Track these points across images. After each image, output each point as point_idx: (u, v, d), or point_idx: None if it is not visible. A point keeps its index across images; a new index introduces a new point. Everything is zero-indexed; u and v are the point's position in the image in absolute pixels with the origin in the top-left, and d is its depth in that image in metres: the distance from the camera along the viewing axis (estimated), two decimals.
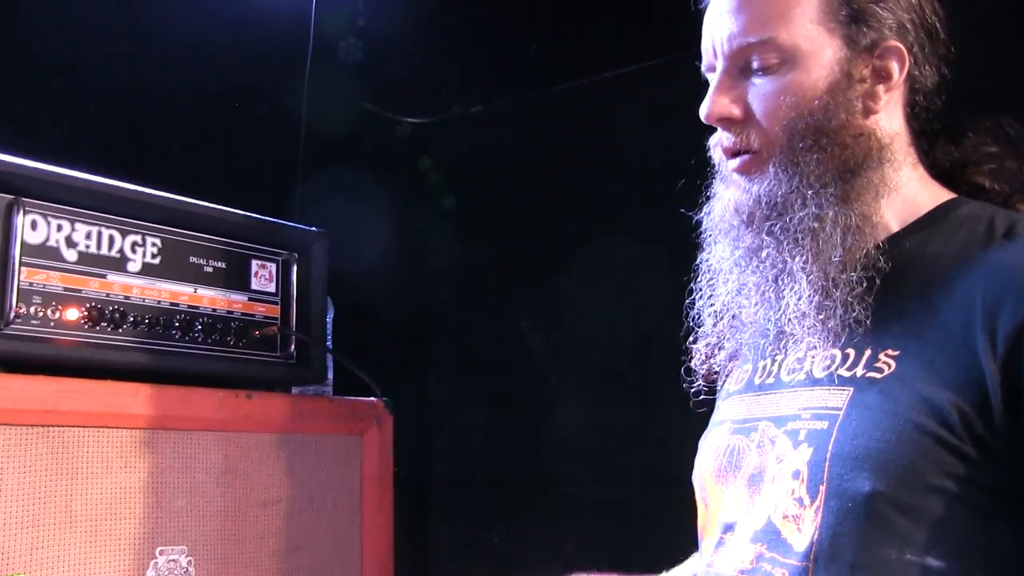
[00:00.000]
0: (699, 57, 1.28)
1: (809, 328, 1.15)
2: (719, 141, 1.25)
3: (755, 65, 1.19)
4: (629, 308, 2.90)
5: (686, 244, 1.35)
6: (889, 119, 1.21)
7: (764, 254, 1.19)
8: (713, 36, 1.23)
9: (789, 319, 1.17)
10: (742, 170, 1.22)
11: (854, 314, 1.12)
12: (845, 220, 1.15)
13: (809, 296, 1.15)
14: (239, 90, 2.87)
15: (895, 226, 1.20)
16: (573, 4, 3.17)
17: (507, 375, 3.27)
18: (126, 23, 2.57)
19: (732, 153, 1.23)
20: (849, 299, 1.13)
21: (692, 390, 1.37)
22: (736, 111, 1.20)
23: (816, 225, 1.15)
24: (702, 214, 1.31)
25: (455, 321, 3.51)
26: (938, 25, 1.23)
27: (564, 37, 3.23)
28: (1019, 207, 1.23)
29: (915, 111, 1.25)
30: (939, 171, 1.27)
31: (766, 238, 1.18)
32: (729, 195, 1.25)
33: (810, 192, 1.16)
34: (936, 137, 1.29)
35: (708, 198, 1.31)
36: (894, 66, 1.19)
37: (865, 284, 1.13)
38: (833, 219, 1.15)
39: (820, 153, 1.16)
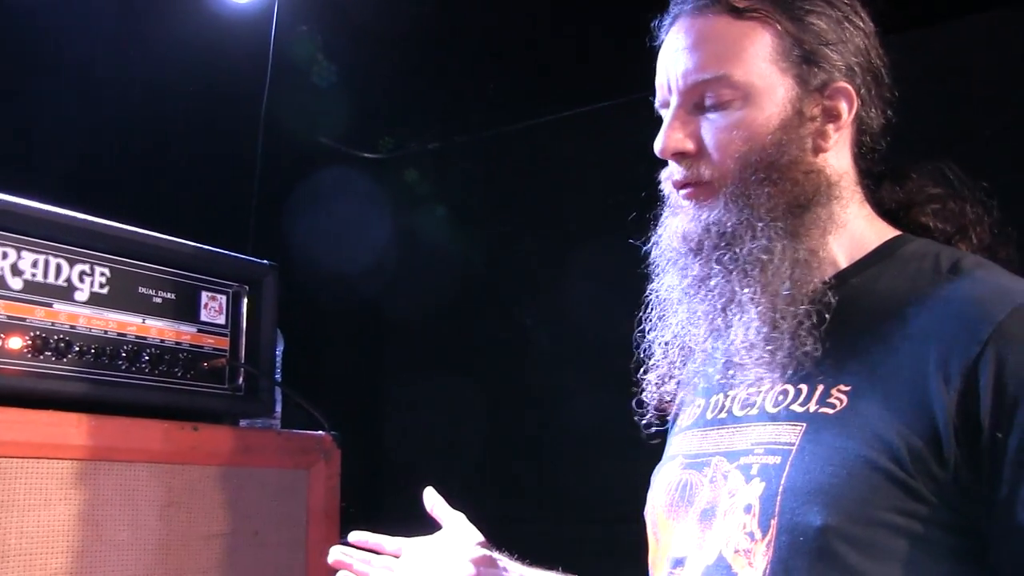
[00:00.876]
0: (650, 97, 1.30)
1: (757, 359, 1.16)
2: (670, 175, 1.26)
3: (709, 101, 1.21)
4: (583, 343, 2.92)
5: (636, 277, 1.35)
6: (838, 158, 1.24)
7: (713, 283, 1.20)
8: (668, 72, 1.25)
9: (738, 349, 1.18)
10: (692, 196, 1.23)
11: (803, 348, 1.13)
12: (793, 254, 1.17)
13: (758, 327, 1.16)
14: (195, 122, 2.87)
15: (843, 262, 1.22)
16: (530, 45, 3.21)
17: (460, 412, 3.27)
18: (79, 54, 2.57)
19: (682, 186, 1.24)
20: (797, 332, 1.14)
21: (643, 422, 1.36)
22: (690, 145, 1.22)
23: (765, 257, 1.16)
24: (651, 244, 1.32)
25: (408, 356, 3.50)
26: (883, 70, 1.27)
27: (521, 77, 3.27)
28: (961, 246, 1.27)
29: (862, 151, 1.28)
30: (885, 210, 1.30)
31: (715, 267, 1.19)
32: (677, 223, 1.25)
33: (760, 224, 1.17)
34: (881, 178, 1.32)
35: (656, 228, 1.32)
36: (843, 106, 1.22)
37: (814, 318, 1.14)
38: (782, 252, 1.16)
39: (771, 187, 1.18)
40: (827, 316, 1.14)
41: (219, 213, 2.84)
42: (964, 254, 1.20)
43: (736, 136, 1.19)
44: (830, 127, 1.22)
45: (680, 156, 1.23)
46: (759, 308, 1.16)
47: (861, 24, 1.25)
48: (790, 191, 1.19)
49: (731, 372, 1.23)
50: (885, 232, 1.26)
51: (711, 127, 1.21)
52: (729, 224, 1.19)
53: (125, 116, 2.66)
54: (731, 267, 1.18)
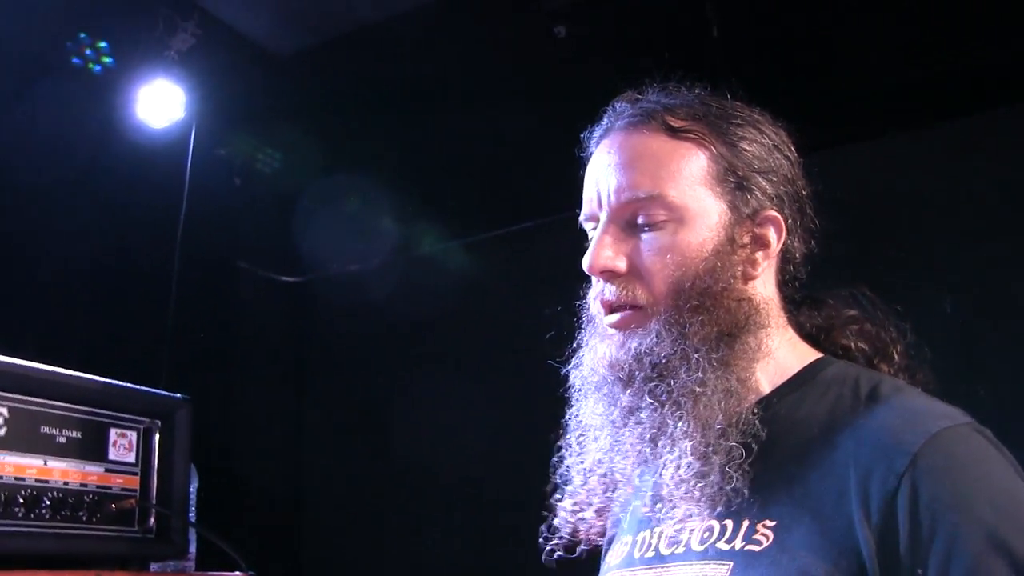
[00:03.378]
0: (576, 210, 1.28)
1: (686, 494, 1.12)
2: (599, 293, 1.22)
3: (641, 220, 1.18)
4: (501, 463, 2.88)
5: (554, 400, 1.31)
6: (764, 285, 1.23)
7: (644, 415, 1.16)
8: (599, 187, 1.22)
9: (667, 484, 1.14)
10: (621, 325, 1.19)
11: (732, 483, 1.10)
12: (726, 384, 1.14)
13: (689, 462, 1.12)
14: (107, 250, 2.80)
15: (766, 388, 1.20)
16: (446, 171, 3.26)
17: (382, 546, 3.16)
18: None
19: (612, 307, 1.20)
20: (727, 466, 1.11)
21: (548, 547, 1.29)
22: (621, 265, 1.18)
23: (699, 389, 1.13)
24: (570, 367, 1.27)
25: (328, 491, 3.39)
26: (806, 200, 1.27)
27: (439, 203, 3.31)
28: (882, 367, 1.27)
29: (785, 279, 1.28)
30: (806, 334, 1.30)
31: (647, 399, 1.15)
32: (603, 349, 1.20)
33: (695, 355, 1.14)
34: (800, 304, 1.32)
35: (576, 350, 1.27)
36: (772, 235, 1.21)
37: (743, 451, 1.11)
38: (715, 383, 1.13)
39: (705, 315, 1.15)
40: (755, 448, 1.11)
41: (131, 346, 2.75)
42: (882, 378, 1.19)
43: (670, 260, 1.16)
44: (759, 255, 1.21)
45: (611, 275, 1.19)
46: (691, 442, 1.12)
47: (788, 153, 1.25)
48: (722, 319, 1.16)
49: (659, 507, 1.19)
50: (806, 356, 1.25)
51: (643, 248, 1.18)
52: (663, 354, 1.15)
53: (30, 244, 2.58)
54: (663, 399, 1.14)
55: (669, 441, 1.14)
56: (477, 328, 3.19)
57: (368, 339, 3.43)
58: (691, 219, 1.17)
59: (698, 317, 1.15)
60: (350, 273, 3.51)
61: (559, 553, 1.30)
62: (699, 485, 1.11)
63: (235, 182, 3.32)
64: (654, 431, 1.15)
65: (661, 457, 1.15)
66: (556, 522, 1.29)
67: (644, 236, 1.18)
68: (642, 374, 1.16)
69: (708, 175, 1.19)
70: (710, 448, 1.12)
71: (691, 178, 1.18)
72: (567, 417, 1.28)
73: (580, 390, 1.25)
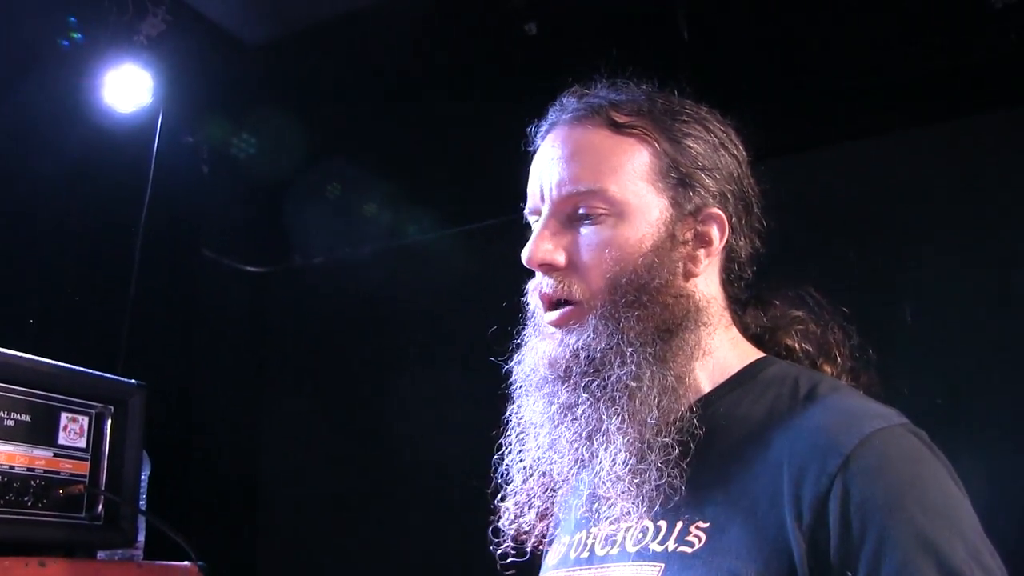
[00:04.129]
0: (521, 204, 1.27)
1: (623, 492, 1.12)
2: (538, 286, 1.21)
3: (582, 213, 1.18)
4: (463, 454, 2.88)
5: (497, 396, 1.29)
6: (707, 283, 1.22)
7: (579, 411, 1.14)
8: (542, 180, 1.21)
9: (603, 481, 1.14)
10: (560, 323, 1.18)
11: (670, 480, 1.09)
12: (662, 380, 1.13)
13: (624, 459, 1.11)
14: (68, 233, 2.76)
15: (706, 387, 1.20)
16: (414, 162, 3.26)
17: (340, 540, 3.14)
18: None
19: (551, 302, 1.19)
20: (662, 464, 1.10)
21: (499, 552, 1.28)
22: (560, 258, 1.18)
23: (634, 384, 1.12)
24: (512, 364, 1.26)
25: (285, 484, 3.37)
26: (754, 199, 1.26)
27: (406, 194, 3.30)
28: (826, 368, 1.27)
29: (730, 278, 1.27)
30: (751, 335, 1.30)
31: (582, 394, 1.14)
32: (544, 347, 1.20)
33: (629, 350, 1.13)
34: (746, 304, 1.32)
35: (518, 347, 1.27)
36: (715, 232, 1.20)
37: (679, 449, 1.11)
38: (650, 379, 1.13)
39: (641, 310, 1.14)
40: (692, 446, 1.11)
41: (89, 331, 2.71)
42: (822, 378, 1.19)
43: (608, 255, 1.16)
44: (701, 252, 1.21)
45: (549, 268, 1.19)
46: (626, 438, 1.11)
47: (735, 152, 1.25)
48: (659, 315, 1.16)
49: (595, 506, 1.18)
50: (748, 355, 1.24)
51: (583, 242, 1.17)
52: (598, 349, 1.14)
53: None
54: (598, 395, 1.14)
55: (604, 438, 1.13)
56: (445, 320, 3.18)
57: (330, 331, 3.41)
58: (631, 214, 1.17)
59: (634, 312, 1.14)
60: (314, 264, 3.49)
61: (511, 557, 1.29)
62: (635, 482, 1.11)
63: (202, 170, 3.29)
64: (590, 428, 1.15)
65: (597, 455, 1.14)
66: (501, 524, 1.28)
67: (583, 230, 1.18)
68: (578, 369, 1.15)
69: (650, 171, 1.19)
70: (646, 445, 1.11)
71: (633, 173, 1.18)
72: (508, 415, 1.26)
73: (521, 387, 1.24)
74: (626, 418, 1.12)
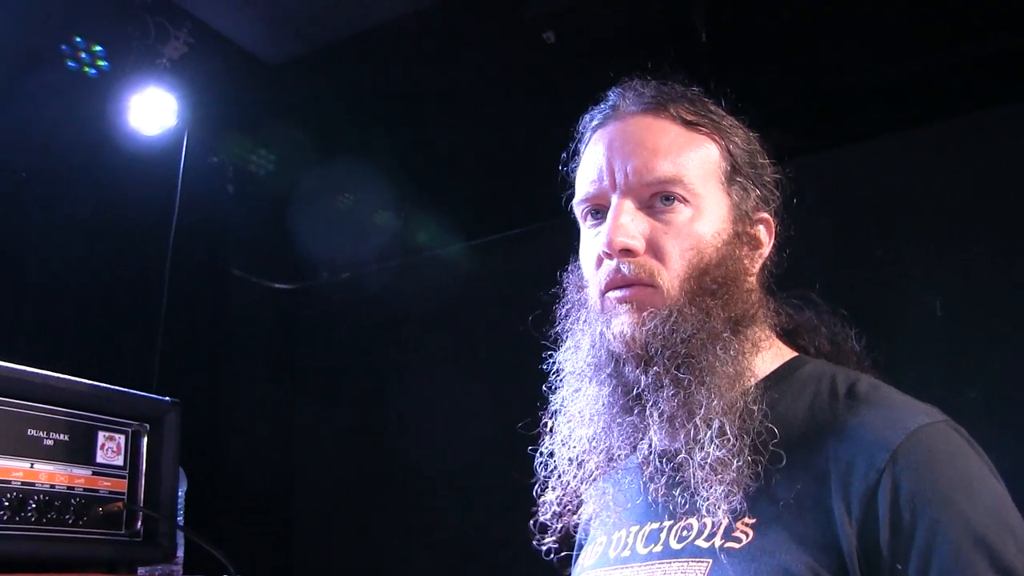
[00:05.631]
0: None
1: (707, 479, 1.09)
2: (608, 273, 1.17)
3: (660, 204, 1.16)
4: (495, 466, 2.88)
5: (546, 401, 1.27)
6: (757, 281, 1.24)
7: (665, 394, 1.12)
8: (614, 165, 1.18)
9: (692, 469, 1.10)
10: (631, 299, 1.15)
11: (753, 468, 1.08)
12: (740, 369, 1.14)
13: (718, 444, 1.09)
14: (100, 254, 2.81)
15: (750, 384, 1.18)
16: (438, 176, 3.27)
17: (374, 550, 3.16)
18: None
19: (624, 284, 1.15)
20: (747, 450, 1.08)
21: (543, 548, 1.25)
22: (640, 243, 1.15)
23: (730, 370, 1.12)
24: (563, 351, 1.23)
25: (321, 494, 3.39)
26: (782, 207, 1.27)
27: (432, 208, 3.32)
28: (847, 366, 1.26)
29: (765, 277, 1.27)
30: (778, 334, 1.28)
31: (674, 374, 1.12)
32: (618, 326, 1.15)
33: (721, 336, 1.13)
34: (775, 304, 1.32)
35: (564, 337, 1.24)
36: (764, 234, 1.23)
37: (766, 435, 1.09)
38: (734, 366, 1.13)
39: (720, 300, 1.15)
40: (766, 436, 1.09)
41: (123, 351, 2.75)
42: (858, 376, 1.18)
43: (688, 243, 1.15)
44: (755, 252, 1.23)
45: (627, 253, 1.15)
46: (721, 423, 1.10)
47: (766, 160, 1.26)
48: (734, 307, 1.16)
49: (658, 498, 1.16)
50: (782, 353, 1.24)
51: (663, 231, 1.15)
52: (687, 332, 1.12)
53: (22, 248, 2.58)
54: (691, 377, 1.11)
55: (701, 422, 1.11)
56: (470, 332, 3.20)
57: (359, 345, 3.43)
58: (706, 208, 1.17)
59: (716, 302, 1.15)
60: (342, 280, 3.51)
61: (555, 553, 1.27)
62: (735, 465, 1.08)
63: (228, 189, 3.33)
64: (677, 412, 1.12)
65: (693, 439, 1.11)
66: (544, 519, 1.25)
67: (663, 217, 1.16)
68: (668, 352, 1.12)
69: (719, 169, 1.20)
70: (737, 430, 1.10)
71: (705, 169, 1.19)
72: (552, 405, 1.24)
73: (574, 374, 1.21)
74: (719, 403, 1.11)
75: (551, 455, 1.24)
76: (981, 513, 0.99)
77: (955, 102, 2.65)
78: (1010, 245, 2.56)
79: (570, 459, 1.22)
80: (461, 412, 3.04)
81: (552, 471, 1.24)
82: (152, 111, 2.85)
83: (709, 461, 1.09)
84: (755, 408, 1.12)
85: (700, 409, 1.11)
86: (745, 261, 1.20)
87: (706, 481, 1.10)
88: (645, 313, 1.13)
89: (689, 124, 1.20)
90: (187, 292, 2.90)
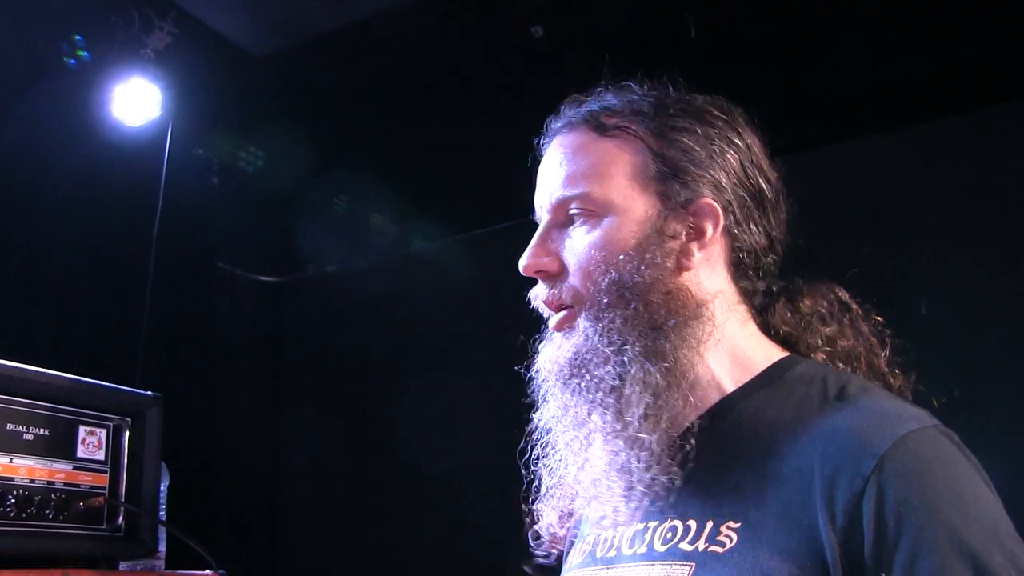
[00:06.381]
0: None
1: (609, 490, 1.13)
2: (538, 293, 1.24)
3: (571, 219, 1.20)
4: (481, 464, 2.88)
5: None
6: (709, 277, 1.21)
7: (572, 412, 1.17)
8: (540, 189, 1.25)
9: (594, 481, 1.15)
10: (558, 327, 1.21)
11: (669, 477, 1.10)
12: (648, 377, 1.13)
13: (612, 457, 1.13)
14: (81, 248, 2.78)
15: (729, 386, 1.18)
16: (423, 171, 3.26)
17: (360, 547, 3.15)
18: None
19: (553, 307, 1.22)
20: (655, 462, 1.10)
21: (538, 553, 1.29)
22: (552, 265, 1.20)
23: (617, 383, 1.13)
24: (532, 371, 1.27)
25: (306, 488, 3.37)
26: (764, 187, 1.23)
27: (418, 202, 3.31)
28: (859, 369, 1.25)
29: (740, 270, 1.24)
30: (775, 331, 1.27)
31: (572, 397, 1.17)
32: (546, 352, 1.23)
33: (610, 349, 1.14)
34: (776, 297, 1.29)
35: (536, 354, 1.27)
36: (708, 224, 1.19)
37: (691, 445, 1.11)
38: (635, 376, 1.13)
39: (624, 309, 1.15)
40: (692, 442, 1.11)
41: (106, 344, 2.73)
42: (851, 378, 1.17)
43: (593, 257, 1.17)
44: (694, 245, 1.19)
45: (544, 275, 1.22)
46: (611, 436, 1.13)
47: (737, 141, 1.23)
48: (644, 313, 1.15)
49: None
50: (772, 353, 1.22)
51: (571, 247, 1.20)
52: (585, 350, 1.16)
53: (2, 240, 2.55)
54: (585, 395, 1.16)
55: (589, 437, 1.16)
56: (459, 326, 3.18)
57: (345, 339, 3.42)
58: (616, 214, 1.18)
59: (617, 311, 1.15)
60: (328, 273, 3.50)
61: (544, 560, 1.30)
62: (624, 480, 1.12)
63: (213, 181, 3.30)
64: (585, 429, 1.17)
65: (589, 457, 1.16)
66: (537, 527, 1.29)
67: (573, 235, 1.20)
68: (569, 372, 1.17)
69: (635, 169, 1.19)
70: (635, 442, 1.12)
71: (618, 174, 1.19)
72: (533, 423, 1.27)
73: (539, 393, 1.25)
74: (610, 417, 1.13)
75: (536, 466, 1.27)
76: (968, 522, 0.98)
77: (943, 102, 2.66)
78: (997, 244, 2.57)
79: (549, 471, 1.25)
80: (449, 407, 3.03)
81: (539, 482, 1.27)
82: (136, 102, 2.83)
83: (593, 475, 1.14)
84: (708, 415, 1.14)
85: (592, 424, 1.15)
86: (673, 259, 1.18)
87: (598, 495, 1.15)
88: (564, 337, 1.20)
89: (603, 130, 1.22)
90: (172, 285, 2.88)
